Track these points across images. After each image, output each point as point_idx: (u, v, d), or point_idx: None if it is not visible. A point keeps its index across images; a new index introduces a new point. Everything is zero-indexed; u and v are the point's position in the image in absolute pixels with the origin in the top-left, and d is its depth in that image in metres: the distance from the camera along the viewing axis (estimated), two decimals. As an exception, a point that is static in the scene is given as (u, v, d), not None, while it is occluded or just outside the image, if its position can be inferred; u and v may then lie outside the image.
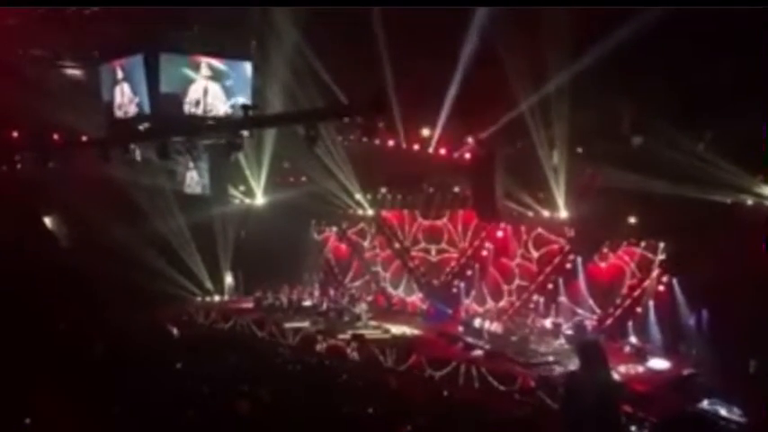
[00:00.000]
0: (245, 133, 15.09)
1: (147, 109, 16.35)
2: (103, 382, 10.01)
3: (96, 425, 8.46)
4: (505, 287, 18.30)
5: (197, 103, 16.51)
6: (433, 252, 19.97)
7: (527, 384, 13.19)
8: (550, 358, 14.47)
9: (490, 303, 18.30)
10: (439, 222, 19.78)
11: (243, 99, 15.57)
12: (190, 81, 16.28)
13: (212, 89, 16.42)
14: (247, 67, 16.75)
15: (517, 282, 18.06)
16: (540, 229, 17.57)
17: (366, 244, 21.60)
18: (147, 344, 14.30)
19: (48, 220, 21.33)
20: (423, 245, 20.21)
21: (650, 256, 15.68)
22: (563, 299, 16.84)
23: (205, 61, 16.28)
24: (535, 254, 17.74)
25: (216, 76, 16.37)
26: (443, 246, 19.74)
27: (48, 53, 17.42)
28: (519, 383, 13.38)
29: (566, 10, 13.14)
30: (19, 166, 18.24)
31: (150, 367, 11.68)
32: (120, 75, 16.60)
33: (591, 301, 16.46)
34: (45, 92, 17.17)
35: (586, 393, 7.12)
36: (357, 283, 21.71)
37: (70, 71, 18.32)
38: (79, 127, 17.42)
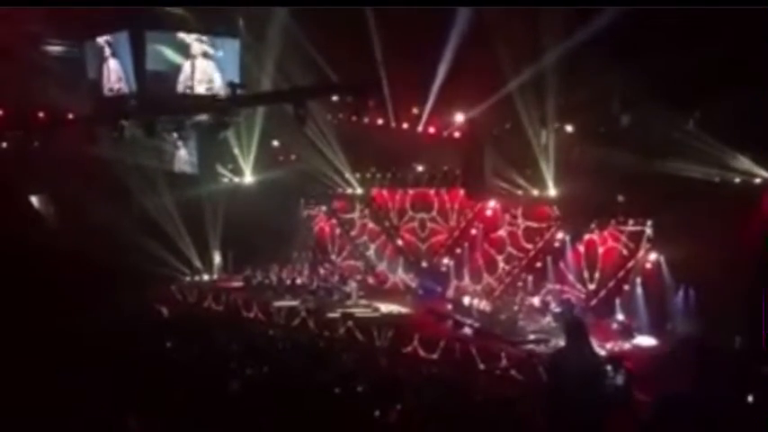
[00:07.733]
0: (237, 113, 15.00)
1: (133, 86, 16.18)
2: (92, 363, 9.99)
3: (83, 403, 8.46)
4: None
5: (184, 81, 16.34)
6: (423, 229, 19.96)
7: (513, 363, 13.28)
8: (539, 336, 14.55)
9: (476, 285, 18.32)
10: (428, 200, 19.74)
11: (231, 77, 15.44)
12: (177, 58, 16.10)
13: (200, 67, 16.25)
14: (235, 45, 16.56)
15: (505, 261, 18.09)
16: (527, 208, 17.57)
17: (355, 222, 21.57)
18: (136, 323, 14.28)
19: (34, 200, 21.16)
20: (412, 221, 20.18)
21: (638, 234, 15.73)
22: (551, 277, 16.90)
23: (192, 39, 16.07)
24: (523, 233, 17.75)
25: (204, 53, 16.19)
26: (434, 221, 19.72)
27: (33, 31, 17.16)
28: (506, 362, 13.46)
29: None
30: (4, 144, 18.08)
31: (139, 346, 11.67)
32: (107, 52, 16.41)
33: (579, 279, 16.54)
34: (29, 70, 16.97)
35: (570, 369, 7.22)
36: (346, 262, 21.71)
37: (55, 48, 18.07)
38: (65, 105, 17.25)
